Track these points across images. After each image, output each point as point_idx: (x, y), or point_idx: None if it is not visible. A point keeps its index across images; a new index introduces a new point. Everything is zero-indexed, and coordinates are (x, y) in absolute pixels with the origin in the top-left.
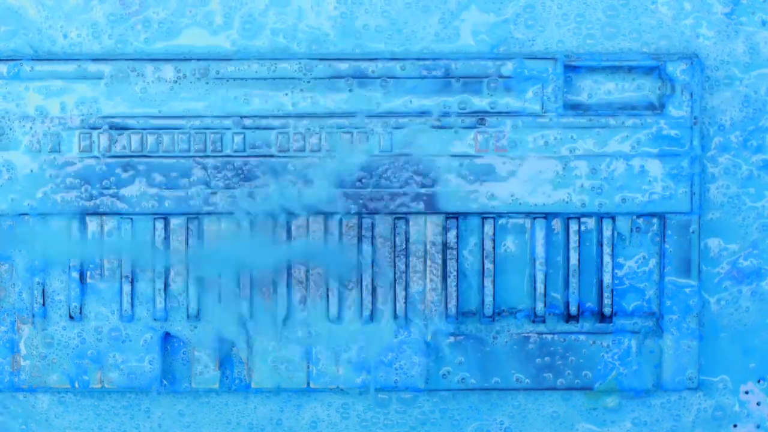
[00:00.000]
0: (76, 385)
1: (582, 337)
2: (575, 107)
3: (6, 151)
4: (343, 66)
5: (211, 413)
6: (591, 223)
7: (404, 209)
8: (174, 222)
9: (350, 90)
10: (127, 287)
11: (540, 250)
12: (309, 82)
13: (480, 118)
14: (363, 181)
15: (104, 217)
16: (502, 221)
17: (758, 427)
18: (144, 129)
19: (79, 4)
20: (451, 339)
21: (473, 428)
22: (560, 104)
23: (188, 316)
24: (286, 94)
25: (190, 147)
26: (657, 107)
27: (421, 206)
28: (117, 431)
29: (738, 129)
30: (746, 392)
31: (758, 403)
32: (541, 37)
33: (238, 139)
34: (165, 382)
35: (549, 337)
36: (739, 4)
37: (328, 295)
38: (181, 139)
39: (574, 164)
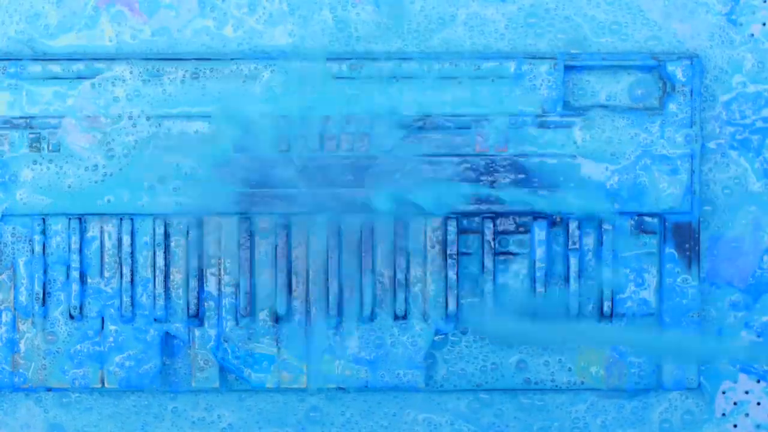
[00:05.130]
0: (76, 385)
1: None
2: (575, 107)
3: None
4: (342, 67)
5: (210, 413)
6: (591, 223)
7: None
8: (173, 222)
9: (348, 90)
10: (127, 287)
11: (540, 250)
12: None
13: (480, 118)
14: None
15: (105, 217)
16: (502, 221)
17: (758, 427)
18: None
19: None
20: (451, 339)
21: (473, 428)
22: (560, 104)
23: (188, 316)
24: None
25: None
26: (657, 107)
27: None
28: (117, 431)
29: (738, 128)
30: (746, 392)
31: (758, 403)
32: (541, 37)
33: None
34: (164, 382)
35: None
36: (738, 3)
37: (328, 295)
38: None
39: (574, 164)
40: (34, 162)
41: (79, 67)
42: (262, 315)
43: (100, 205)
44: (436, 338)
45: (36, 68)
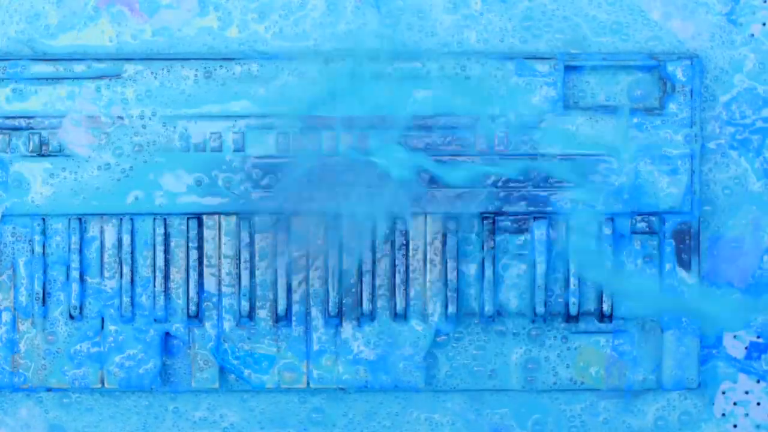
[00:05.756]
0: (76, 385)
1: (582, 336)
2: (575, 107)
3: None
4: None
5: (212, 413)
6: (591, 223)
7: (405, 209)
8: (174, 222)
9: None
10: (127, 287)
11: (540, 250)
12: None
13: (480, 118)
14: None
15: (105, 217)
16: (501, 220)
17: (758, 427)
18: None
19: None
20: (452, 339)
21: (472, 428)
22: (560, 104)
23: (188, 316)
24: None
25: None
26: (657, 107)
27: (423, 206)
28: (116, 430)
29: (738, 128)
30: (746, 392)
31: (758, 403)
32: (541, 37)
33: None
34: (164, 382)
35: (549, 336)
36: (738, 3)
37: (328, 295)
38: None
39: (574, 164)
40: (35, 162)
41: (79, 67)
42: (262, 315)
43: (102, 206)
44: (438, 339)
45: (36, 68)
